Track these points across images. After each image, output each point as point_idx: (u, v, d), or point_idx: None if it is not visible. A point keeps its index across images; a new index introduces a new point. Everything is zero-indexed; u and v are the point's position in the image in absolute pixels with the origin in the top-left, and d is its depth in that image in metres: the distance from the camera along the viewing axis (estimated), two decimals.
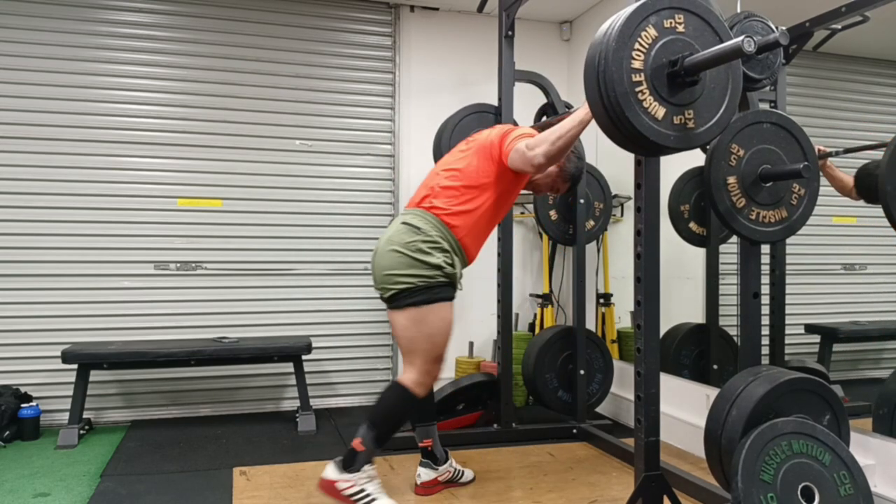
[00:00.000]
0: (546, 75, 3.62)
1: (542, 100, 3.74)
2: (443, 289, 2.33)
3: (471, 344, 4.23)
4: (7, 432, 3.32)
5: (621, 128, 1.70)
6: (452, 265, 2.36)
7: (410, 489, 2.67)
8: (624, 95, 1.65)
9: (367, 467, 2.36)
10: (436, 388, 3.52)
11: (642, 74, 1.68)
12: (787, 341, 3.03)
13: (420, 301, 2.31)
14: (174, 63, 3.90)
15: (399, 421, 2.40)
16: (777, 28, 2.11)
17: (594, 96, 1.72)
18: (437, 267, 2.31)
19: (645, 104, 1.68)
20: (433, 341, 2.34)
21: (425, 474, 2.64)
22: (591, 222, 3.64)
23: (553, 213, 3.63)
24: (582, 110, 2.13)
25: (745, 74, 2.19)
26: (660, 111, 1.70)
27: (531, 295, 4.49)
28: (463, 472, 2.74)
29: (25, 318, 3.66)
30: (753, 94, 2.33)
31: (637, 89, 1.67)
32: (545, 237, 4.37)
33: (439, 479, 2.65)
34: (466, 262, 2.49)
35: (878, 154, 2.39)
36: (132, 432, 3.53)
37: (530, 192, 3.64)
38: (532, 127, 2.58)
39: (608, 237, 4.12)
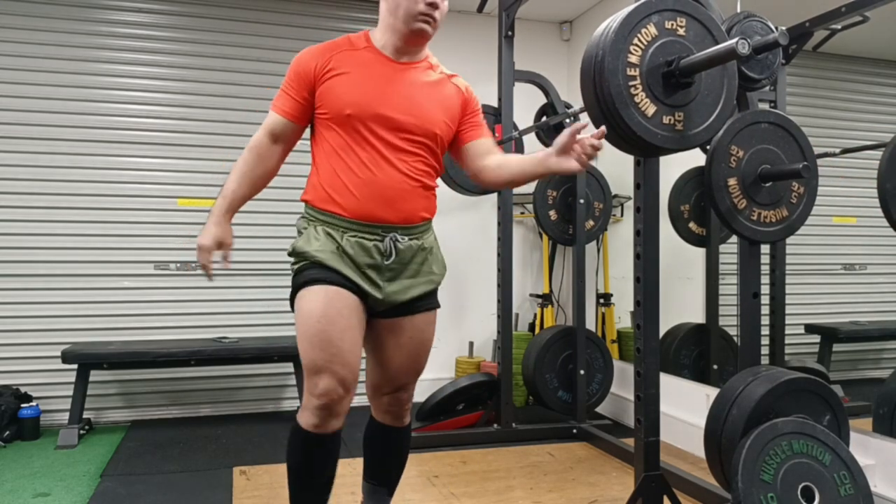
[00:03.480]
0: (546, 75, 3.62)
1: (542, 100, 3.74)
2: (300, 274, 1.84)
3: (471, 344, 4.23)
4: (7, 432, 3.32)
5: (611, 121, 1.71)
6: (308, 243, 1.88)
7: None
8: (617, 88, 1.66)
9: None
10: (436, 388, 3.56)
11: (637, 70, 1.70)
12: (787, 341, 3.03)
13: (291, 293, 1.88)
14: (174, 63, 3.90)
15: (291, 465, 1.81)
16: (776, 28, 2.11)
17: (588, 87, 1.73)
18: (290, 254, 1.92)
19: (636, 99, 1.69)
20: (300, 341, 1.78)
21: None
22: (591, 222, 3.64)
23: (553, 213, 3.63)
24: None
25: (745, 74, 2.19)
26: (650, 108, 1.71)
27: (531, 295, 4.49)
28: None
29: (25, 318, 3.66)
30: (753, 94, 2.32)
31: (631, 83, 1.69)
32: (545, 237, 4.37)
33: None
34: (348, 214, 1.84)
35: (878, 154, 2.39)
36: (132, 432, 3.53)
37: (530, 193, 3.68)
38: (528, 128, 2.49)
39: (608, 237, 4.12)
